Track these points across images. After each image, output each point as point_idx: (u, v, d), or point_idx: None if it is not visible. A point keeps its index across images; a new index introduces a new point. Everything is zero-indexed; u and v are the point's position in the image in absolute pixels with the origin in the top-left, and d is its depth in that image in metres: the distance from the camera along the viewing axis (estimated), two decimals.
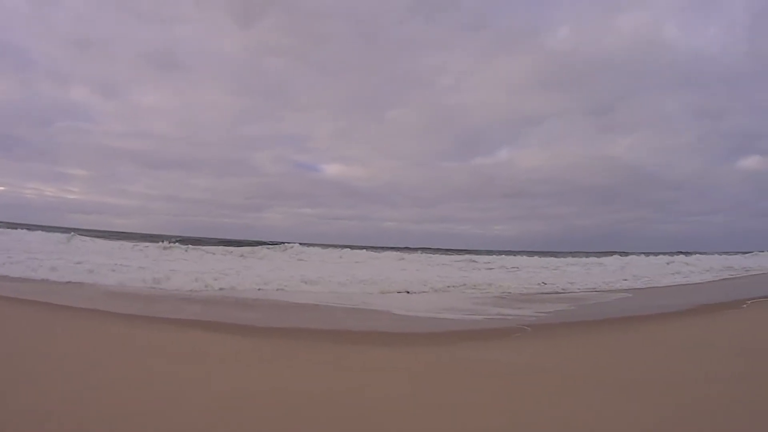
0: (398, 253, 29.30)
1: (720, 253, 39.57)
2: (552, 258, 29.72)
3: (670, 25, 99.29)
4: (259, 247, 26.65)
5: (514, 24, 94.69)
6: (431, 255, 29.23)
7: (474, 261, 25.65)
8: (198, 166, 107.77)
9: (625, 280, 17.58)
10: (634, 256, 32.20)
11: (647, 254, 35.16)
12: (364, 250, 30.77)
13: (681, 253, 45.94)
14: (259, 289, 11.75)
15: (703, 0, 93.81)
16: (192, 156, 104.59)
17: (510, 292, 13.34)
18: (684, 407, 3.58)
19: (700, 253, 39.04)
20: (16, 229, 26.07)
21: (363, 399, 3.83)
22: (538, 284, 15.50)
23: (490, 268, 22.04)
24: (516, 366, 5.16)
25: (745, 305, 10.63)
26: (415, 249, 33.93)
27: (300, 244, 27.90)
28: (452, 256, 28.96)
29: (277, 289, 11.91)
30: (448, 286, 13.89)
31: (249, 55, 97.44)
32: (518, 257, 28.48)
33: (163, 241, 23.83)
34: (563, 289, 14.52)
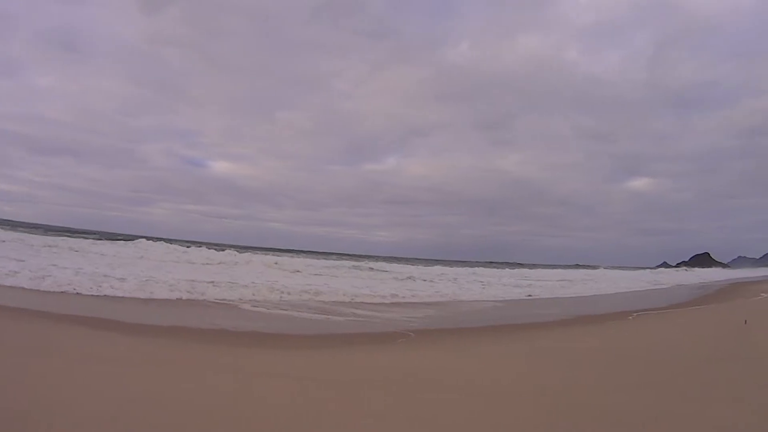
0: (273, 256, 25.84)
1: (607, 267, 40.50)
2: (440, 266, 28.64)
3: (572, 49, 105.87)
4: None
5: (415, 34, 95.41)
6: (315, 258, 27.26)
7: (357, 268, 23.63)
8: (88, 155, 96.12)
9: (528, 291, 17.04)
10: (525, 269, 31.34)
11: (540, 266, 34.66)
12: (247, 252, 26.58)
13: (579, 266, 46.85)
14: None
15: (608, 27, 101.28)
16: (82, 144, 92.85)
17: (387, 297, 12.67)
18: (565, 415, 3.41)
19: (592, 267, 39.63)
20: None
21: (255, 408, 3.25)
22: (414, 290, 14.76)
23: (373, 278, 19.90)
24: (408, 372, 4.86)
25: (630, 317, 10.50)
26: (299, 251, 30.61)
27: (146, 238, 22.85)
28: (334, 261, 26.68)
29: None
30: (317, 292, 12.28)
31: (149, 43, 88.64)
32: (402, 265, 26.42)
33: None
34: (445, 296, 14.15)
